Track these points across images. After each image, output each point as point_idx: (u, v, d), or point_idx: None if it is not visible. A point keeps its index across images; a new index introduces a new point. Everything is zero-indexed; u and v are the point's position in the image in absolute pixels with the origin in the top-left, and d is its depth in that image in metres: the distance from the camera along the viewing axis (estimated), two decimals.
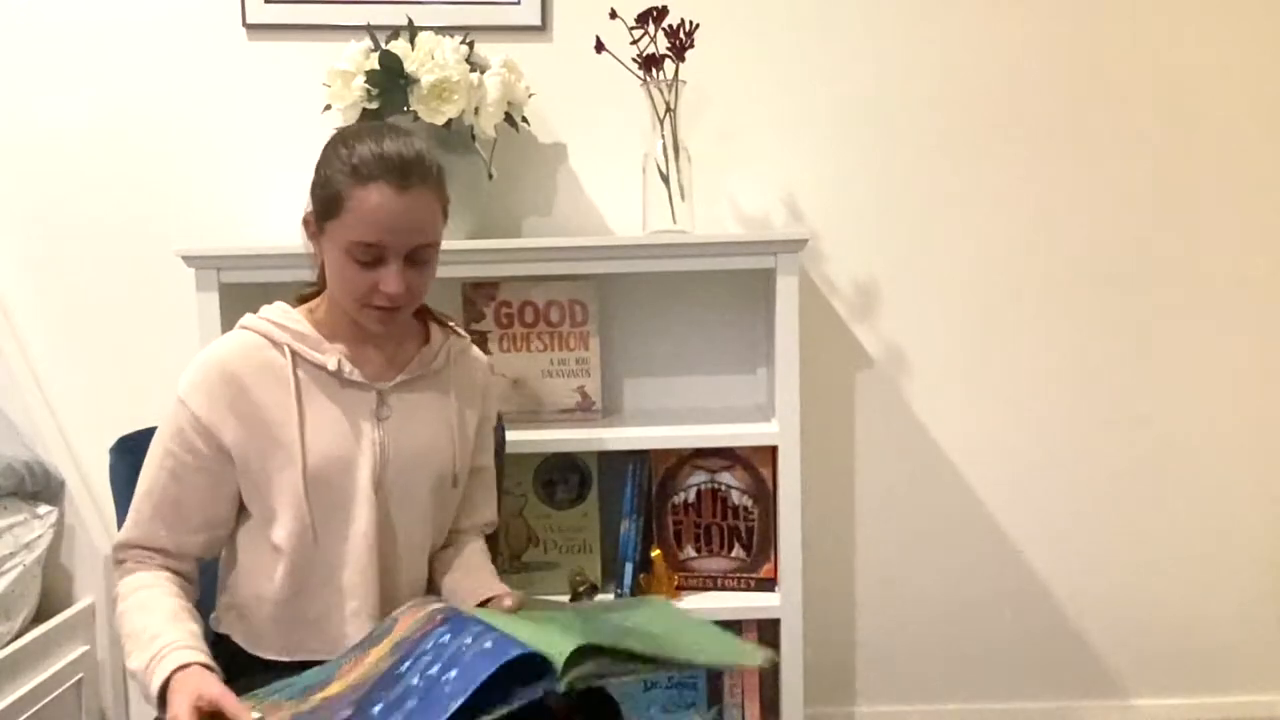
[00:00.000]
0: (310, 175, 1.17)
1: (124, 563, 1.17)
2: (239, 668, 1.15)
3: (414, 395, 1.24)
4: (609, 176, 1.87)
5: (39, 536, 1.68)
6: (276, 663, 1.18)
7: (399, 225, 1.11)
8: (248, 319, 1.21)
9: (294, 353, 1.18)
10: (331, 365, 1.18)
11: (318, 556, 1.18)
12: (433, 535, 1.29)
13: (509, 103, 1.68)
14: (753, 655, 1.06)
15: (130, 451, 1.36)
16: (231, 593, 1.23)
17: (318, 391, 1.19)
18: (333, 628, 1.19)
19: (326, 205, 1.13)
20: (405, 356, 1.25)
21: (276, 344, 1.18)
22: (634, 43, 1.64)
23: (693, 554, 1.78)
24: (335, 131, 1.19)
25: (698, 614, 1.72)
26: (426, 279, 1.19)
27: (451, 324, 1.33)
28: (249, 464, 1.16)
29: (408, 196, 1.11)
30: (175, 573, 1.17)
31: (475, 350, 1.37)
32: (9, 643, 1.57)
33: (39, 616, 1.68)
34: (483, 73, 1.64)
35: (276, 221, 1.85)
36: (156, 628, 1.08)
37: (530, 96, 1.74)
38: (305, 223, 1.19)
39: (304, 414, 1.17)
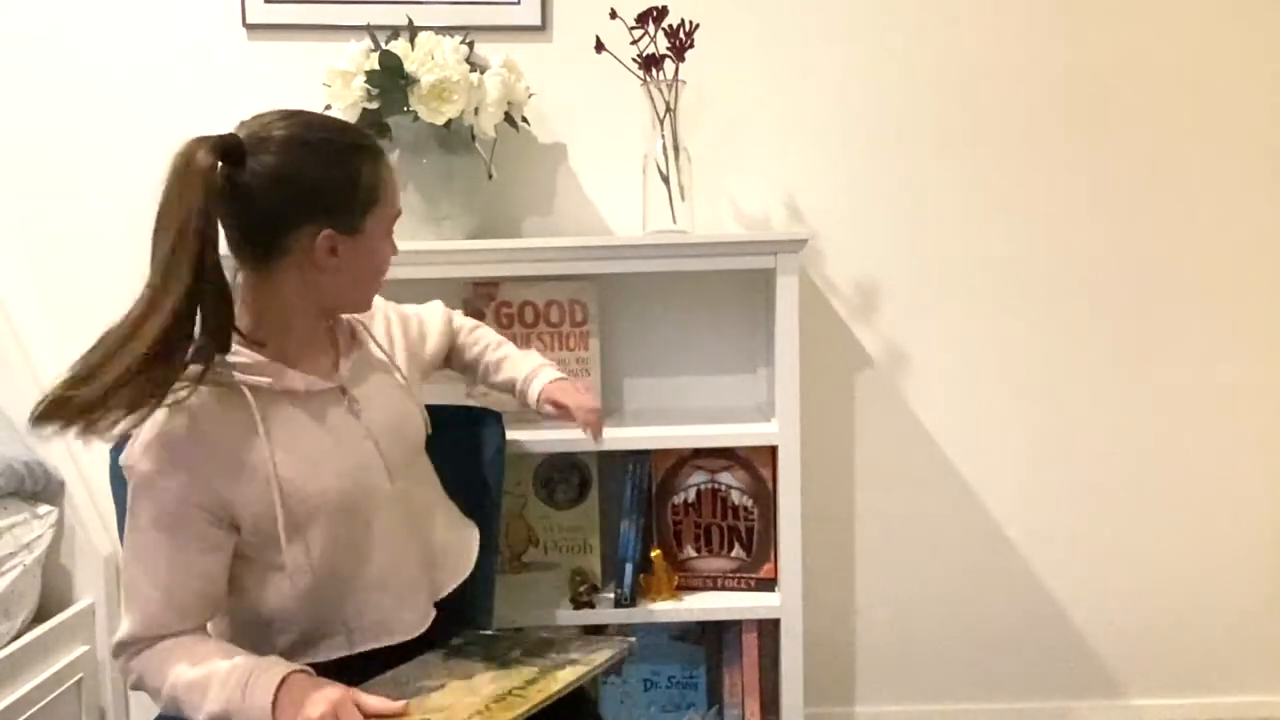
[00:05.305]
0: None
1: (136, 654, 1.08)
2: None
3: (363, 378, 1.24)
4: (609, 176, 1.87)
5: (39, 536, 1.68)
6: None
7: None
8: (188, 373, 1.04)
9: (253, 389, 1.09)
10: (301, 385, 1.14)
11: (345, 575, 1.18)
12: (437, 489, 1.33)
13: (509, 103, 1.68)
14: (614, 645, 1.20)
15: None
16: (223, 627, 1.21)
17: (294, 415, 1.13)
18: (382, 613, 1.21)
19: (368, 196, 1.12)
20: (331, 346, 1.23)
21: (231, 388, 1.08)
22: (634, 43, 1.64)
23: (693, 554, 1.78)
24: (294, 131, 1.08)
25: (697, 614, 1.73)
26: None
27: None
28: (257, 522, 1.09)
29: None
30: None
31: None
32: (9, 643, 1.57)
33: (39, 616, 1.68)
34: (483, 73, 1.64)
35: None
36: (223, 664, 1.04)
37: (530, 96, 1.74)
38: (323, 240, 1.09)
39: (293, 448, 1.11)
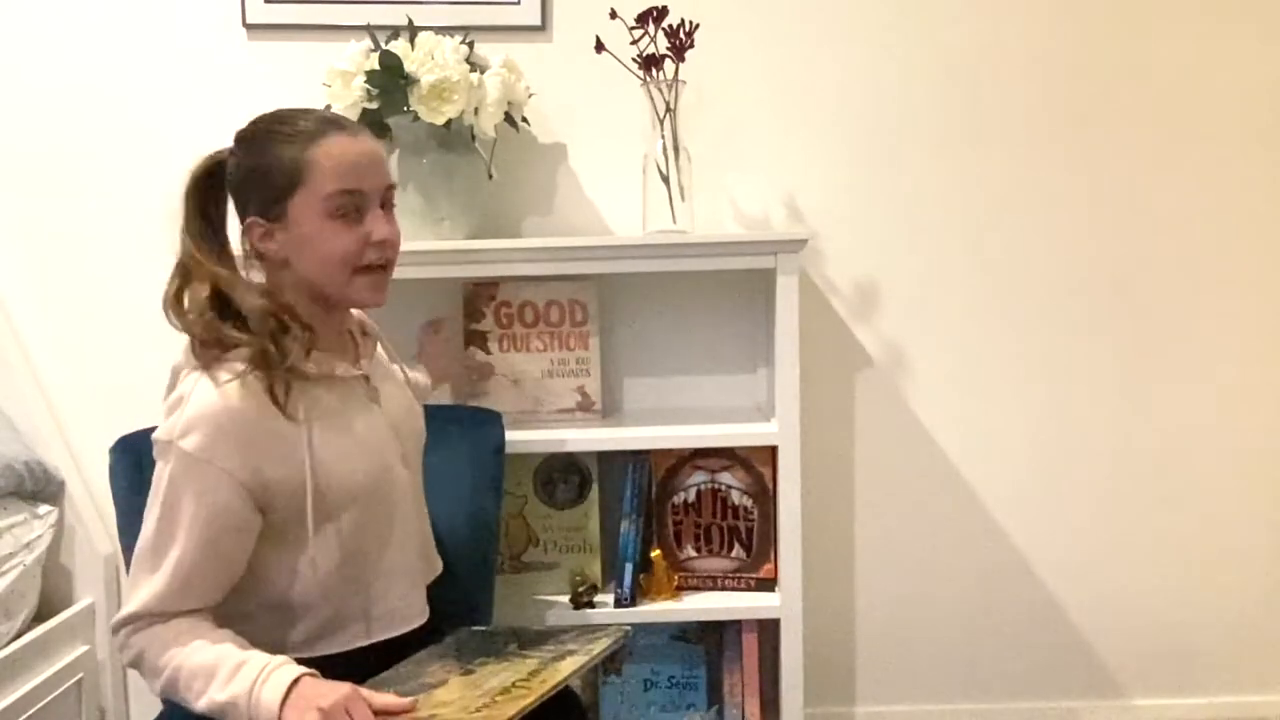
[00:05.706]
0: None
1: (141, 629, 1.07)
2: None
3: (379, 373, 1.28)
4: (609, 176, 1.87)
5: (39, 536, 1.68)
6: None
7: (367, 165, 1.14)
8: (225, 358, 1.09)
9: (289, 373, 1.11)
10: (339, 370, 1.18)
11: (370, 560, 1.20)
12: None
13: (509, 103, 1.68)
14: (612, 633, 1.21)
15: (130, 451, 1.37)
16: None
17: (327, 400, 1.16)
18: (397, 599, 1.23)
19: (285, 181, 1.11)
20: (351, 340, 1.26)
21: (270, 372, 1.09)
22: (634, 43, 1.64)
23: (693, 554, 1.78)
24: (243, 131, 1.17)
25: (697, 614, 1.73)
26: (398, 232, 1.20)
27: None
28: (292, 504, 1.11)
29: (361, 139, 1.16)
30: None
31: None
32: (9, 643, 1.57)
33: (39, 616, 1.68)
34: (483, 73, 1.64)
35: None
36: (235, 655, 1.04)
37: (530, 96, 1.74)
38: (250, 229, 1.14)
39: (332, 432, 1.14)
